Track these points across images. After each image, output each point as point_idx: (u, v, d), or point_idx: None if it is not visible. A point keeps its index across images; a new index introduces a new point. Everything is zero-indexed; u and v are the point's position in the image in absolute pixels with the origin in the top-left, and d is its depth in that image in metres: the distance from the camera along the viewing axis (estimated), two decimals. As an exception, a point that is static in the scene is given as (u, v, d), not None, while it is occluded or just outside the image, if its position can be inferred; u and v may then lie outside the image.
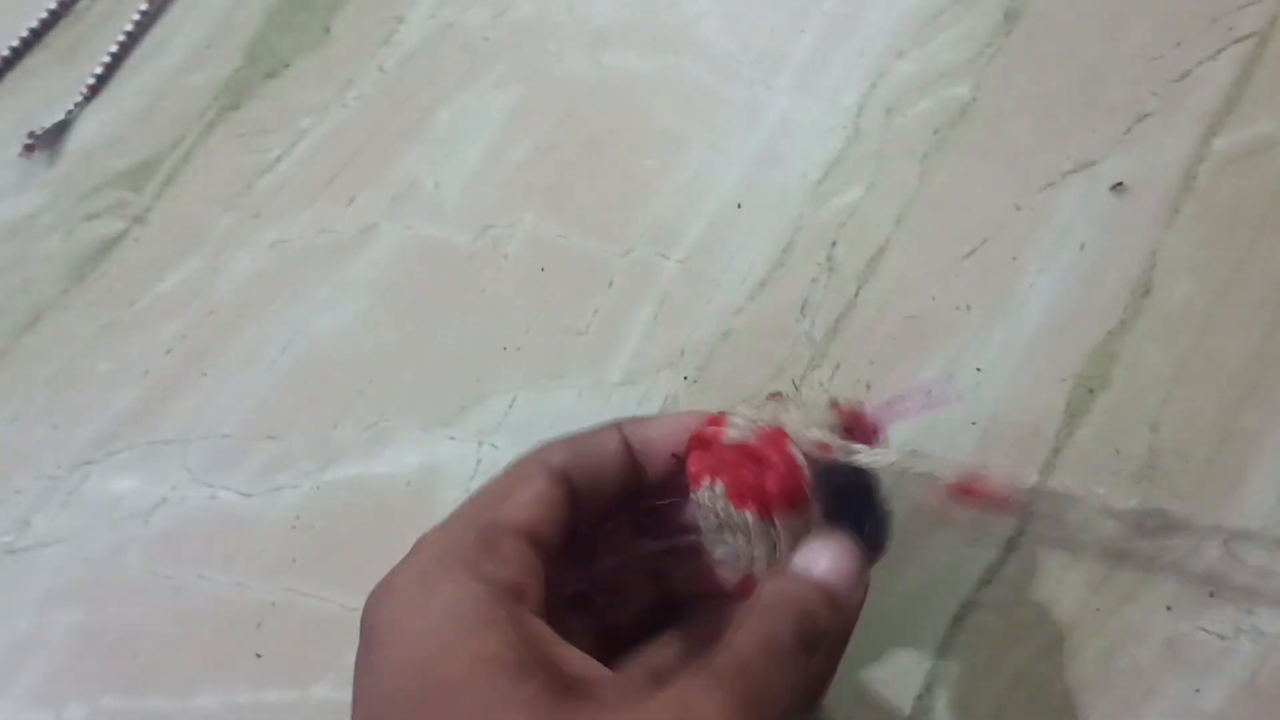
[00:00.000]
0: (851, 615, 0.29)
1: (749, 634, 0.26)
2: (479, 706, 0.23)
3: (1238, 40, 0.42)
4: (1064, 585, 0.35)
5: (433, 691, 0.24)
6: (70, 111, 0.44)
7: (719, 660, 0.25)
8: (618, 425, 0.30)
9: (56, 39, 0.46)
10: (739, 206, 0.41)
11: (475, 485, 0.38)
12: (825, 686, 0.32)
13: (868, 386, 0.38)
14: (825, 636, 0.26)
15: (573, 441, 0.29)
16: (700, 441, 0.29)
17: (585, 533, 0.29)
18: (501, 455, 0.38)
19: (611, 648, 0.28)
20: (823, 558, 0.27)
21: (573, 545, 0.28)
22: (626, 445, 0.30)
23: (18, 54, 0.45)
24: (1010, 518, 0.34)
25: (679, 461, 0.29)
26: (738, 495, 0.28)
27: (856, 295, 0.39)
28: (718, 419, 0.29)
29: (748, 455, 0.28)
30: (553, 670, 0.24)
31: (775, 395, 0.30)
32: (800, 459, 0.28)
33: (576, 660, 0.25)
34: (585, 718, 0.23)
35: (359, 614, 0.26)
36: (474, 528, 0.27)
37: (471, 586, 0.25)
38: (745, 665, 0.25)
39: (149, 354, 0.40)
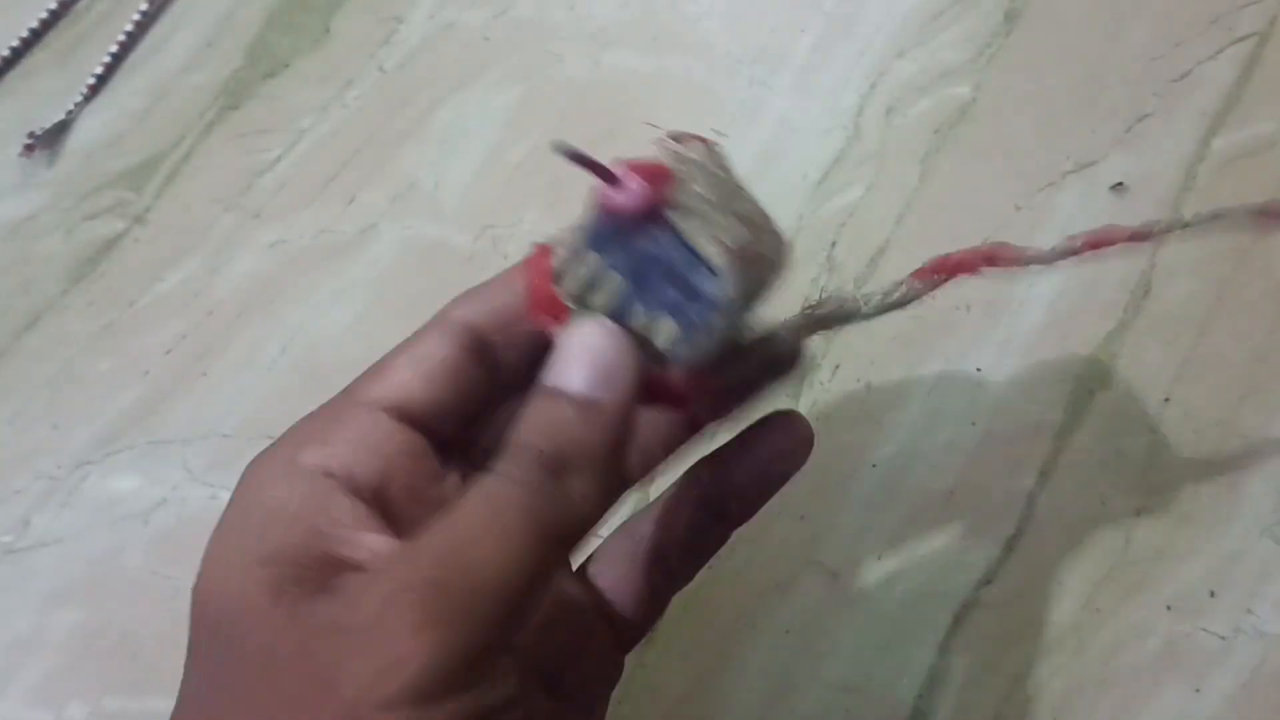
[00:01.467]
0: (612, 437, 0.23)
1: (467, 500, 0.22)
2: (216, 602, 0.22)
3: (1238, 40, 0.42)
4: (1064, 585, 0.35)
5: (198, 606, 0.22)
6: (70, 111, 0.44)
7: (422, 541, 0.21)
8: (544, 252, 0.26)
9: (56, 39, 0.46)
10: (739, 206, 0.41)
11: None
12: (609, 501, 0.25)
13: (868, 387, 0.38)
14: (571, 460, 0.22)
15: (485, 287, 0.26)
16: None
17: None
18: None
19: None
20: (568, 358, 0.23)
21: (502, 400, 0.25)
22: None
23: (18, 54, 0.45)
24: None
25: None
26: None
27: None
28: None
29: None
30: (320, 563, 0.22)
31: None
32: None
33: (362, 544, 0.22)
34: (310, 610, 0.21)
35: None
36: (326, 410, 0.25)
37: (281, 481, 0.23)
38: (448, 549, 0.21)
39: (149, 354, 0.40)
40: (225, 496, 0.38)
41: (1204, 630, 0.34)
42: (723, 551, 0.36)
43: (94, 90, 0.45)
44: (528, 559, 0.21)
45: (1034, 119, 0.41)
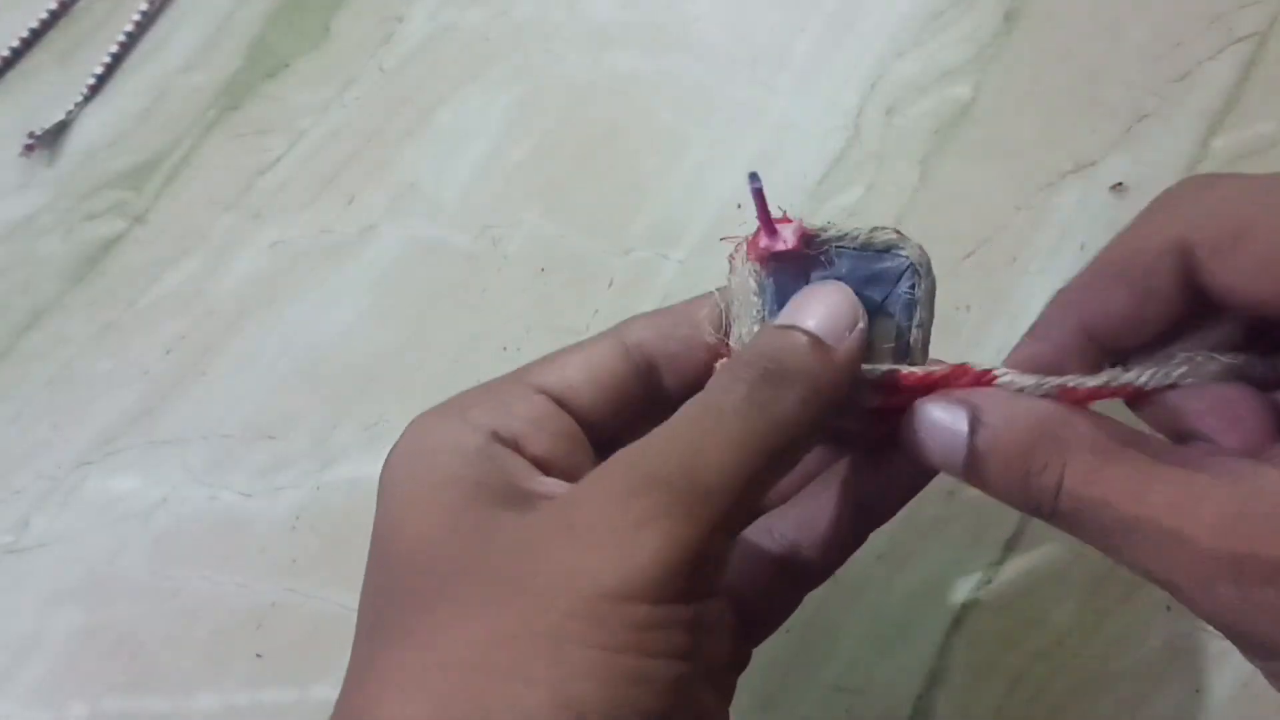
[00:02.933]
0: (838, 376, 0.24)
1: (687, 408, 0.22)
2: (419, 521, 0.22)
3: (1238, 40, 0.42)
4: (1064, 585, 0.35)
5: (394, 531, 0.23)
6: (70, 111, 0.44)
7: (640, 446, 0.22)
8: (709, 295, 0.27)
9: (56, 39, 0.46)
10: (739, 207, 0.41)
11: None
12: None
13: (868, 386, 0.38)
14: (795, 379, 0.22)
15: (661, 312, 0.27)
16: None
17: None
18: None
19: None
20: (802, 304, 0.24)
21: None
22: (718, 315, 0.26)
23: (18, 54, 0.45)
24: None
25: None
26: (745, 254, 0.26)
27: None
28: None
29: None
30: (505, 489, 0.23)
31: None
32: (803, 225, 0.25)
33: (544, 484, 0.24)
34: (518, 517, 0.21)
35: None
36: (502, 382, 0.26)
37: (452, 429, 0.24)
38: (672, 451, 0.21)
39: (149, 354, 0.40)
40: (225, 496, 0.38)
41: (1204, 630, 0.34)
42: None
43: (94, 90, 0.45)
44: (748, 464, 0.21)
45: (1034, 119, 0.41)
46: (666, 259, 0.40)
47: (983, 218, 0.40)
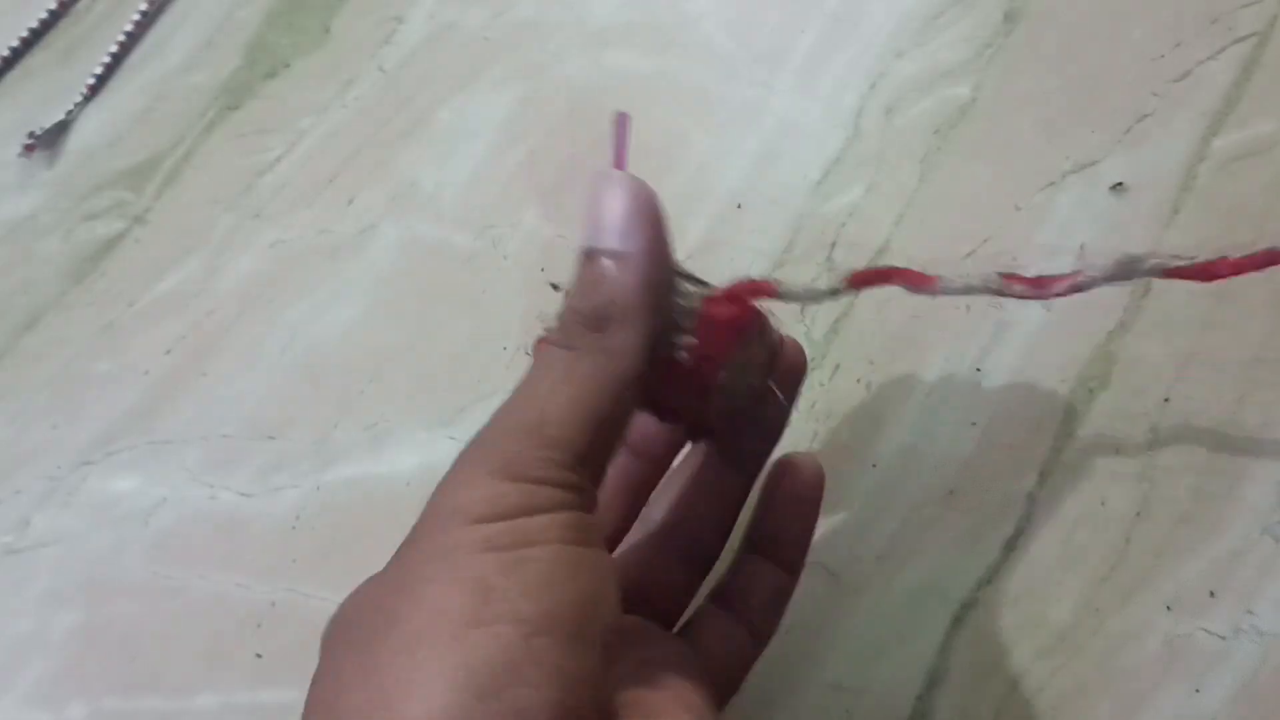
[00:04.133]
0: (644, 269, 0.26)
1: (532, 361, 0.26)
2: None
3: (1238, 40, 0.42)
4: (1063, 585, 0.35)
5: None
6: (70, 111, 0.44)
7: (487, 423, 0.25)
8: None
9: (56, 39, 0.46)
10: (739, 206, 0.41)
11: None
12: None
13: (868, 387, 0.38)
14: (610, 309, 0.25)
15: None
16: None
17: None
18: (501, 455, 0.38)
19: None
20: (593, 215, 0.26)
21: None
22: None
23: (18, 54, 0.45)
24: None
25: None
26: None
27: (856, 295, 0.39)
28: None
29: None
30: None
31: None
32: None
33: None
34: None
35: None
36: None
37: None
38: (515, 402, 0.25)
39: (149, 354, 0.40)
40: (225, 496, 0.38)
41: (1204, 630, 0.34)
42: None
43: (94, 90, 0.45)
44: (586, 407, 0.24)
45: (1034, 119, 0.41)
46: (666, 259, 0.40)
47: (982, 217, 0.40)
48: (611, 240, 0.26)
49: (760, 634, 0.31)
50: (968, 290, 0.29)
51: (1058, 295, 0.30)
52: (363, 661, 0.22)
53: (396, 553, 0.24)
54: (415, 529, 0.24)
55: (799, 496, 0.31)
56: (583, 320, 0.25)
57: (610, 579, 0.24)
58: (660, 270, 0.26)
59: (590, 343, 0.25)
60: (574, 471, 0.24)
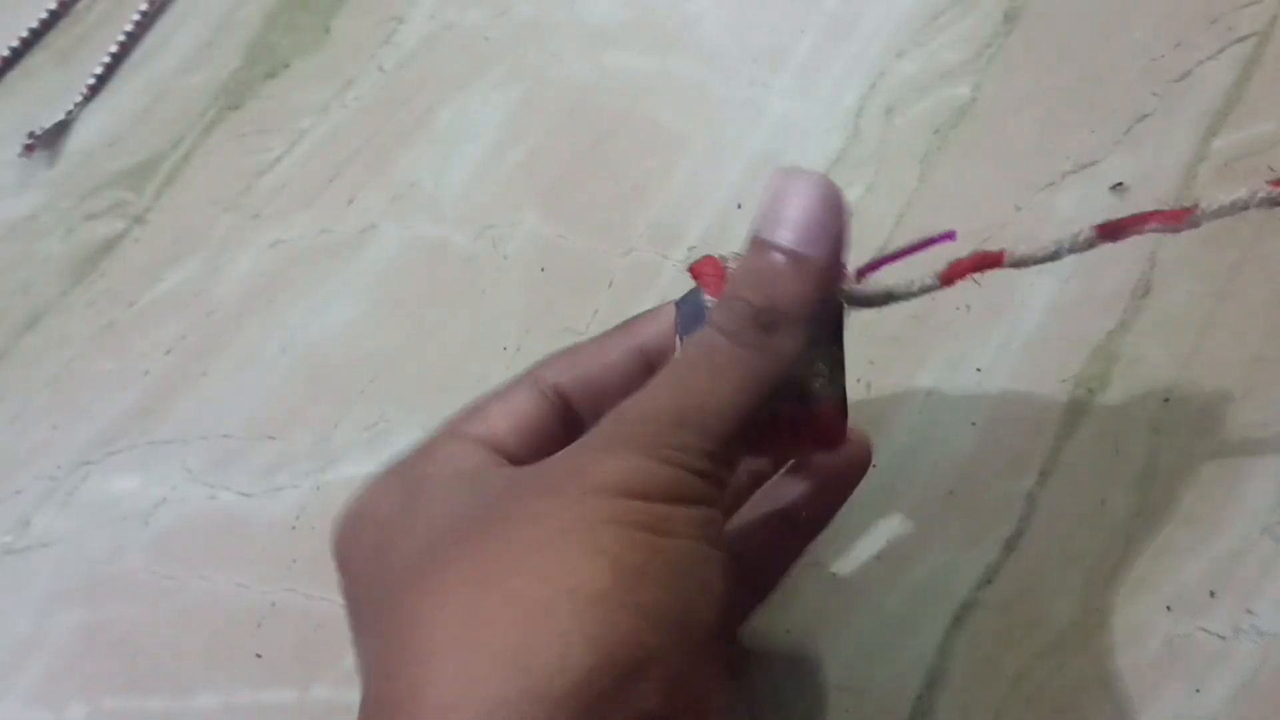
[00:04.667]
0: (822, 277, 0.25)
1: (688, 343, 0.25)
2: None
3: (1238, 40, 0.42)
4: (1064, 585, 0.35)
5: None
6: (70, 111, 0.44)
7: (634, 400, 0.24)
8: (632, 327, 0.29)
9: (56, 39, 0.46)
10: (739, 206, 0.41)
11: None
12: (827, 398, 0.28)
13: (868, 387, 0.38)
14: (779, 315, 0.25)
15: (574, 353, 0.28)
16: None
17: None
18: (501, 455, 0.38)
19: None
20: (778, 205, 0.25)
21: None
22: (641, 350, 0.28)
23: (17, 54, 0.45)
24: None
25: None
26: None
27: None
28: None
29: None
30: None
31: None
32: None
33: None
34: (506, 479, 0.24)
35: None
36: (428, 440, 0.27)
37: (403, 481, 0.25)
38: (668, 384, 0.24)
39: (149, 354, 0.40)
40: (225, 496, 0.38)
41: (1204, 630, 0.34)
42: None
43: (94, 90, 0.45)
44: (741, 406, 0.24)
45: (1034, 119, 0.41)
46: (667, 259, 0.40)
47: (983, 217, 0.40)
48: (794, 239, 0.24)
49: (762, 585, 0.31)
50: (1231, 210, 0.27)
51: None
52: (463, 616, 0.21)
53: (478, 505, 0.23)
54: (519, 488, 0.23)
55: (839, 474, 0.30)
56: (753, 316, 0.24)
57: (730, 588, 0.24)
58: (834, 284, 0.26)
59: (757, 341, 0.24)
60: (719, 464, 0.24)
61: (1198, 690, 0.34)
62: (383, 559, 0.24)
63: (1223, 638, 0.34)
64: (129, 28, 0.45)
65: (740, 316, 0.24)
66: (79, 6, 0.46)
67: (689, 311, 0.27)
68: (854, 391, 0.38)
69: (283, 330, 0.40)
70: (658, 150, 0.42)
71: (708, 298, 0.26)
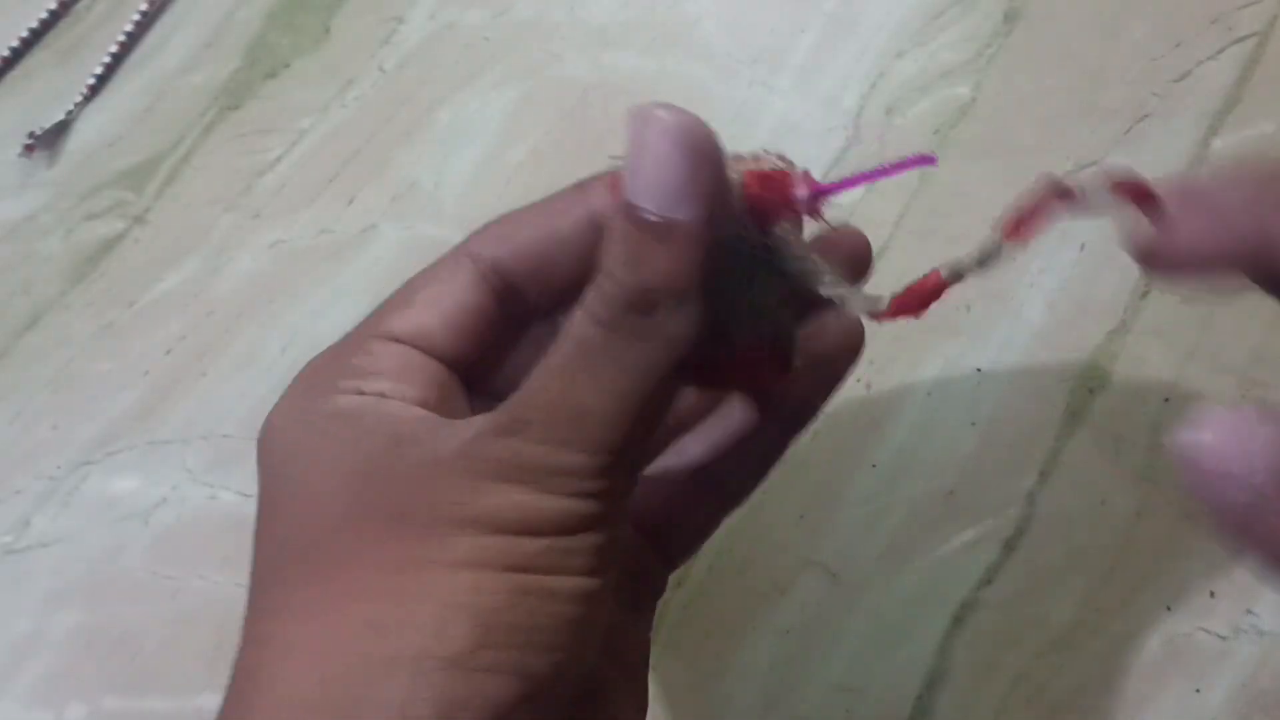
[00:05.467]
0: (696, 242, 0.21)
1: (559, 338, 0.21)
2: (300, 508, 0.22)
3: (1238, 40, 0.42)
4: (1064, 585, 0.35)
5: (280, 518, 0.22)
6: (70, 112, 0.44)
7: (515, 408, 0.21)
8: (583, 191, 0.24)
9: (56, 39, 0.46)
10: (739, 206, 0.41)
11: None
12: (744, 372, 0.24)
13: (868, 387, 0.38)
14: (662, 289, 0.21)
15: (516, 220, 0.24)
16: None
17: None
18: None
19: None
20: (633, 168, 0.21)
21: (515, 341, 0.25)
22: (593, 220, 0.24)
23: (17, 54, 0.45)
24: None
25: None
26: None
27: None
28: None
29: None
30: (387, 437, 0.22)
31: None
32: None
33: (423, 422, 0.22)
34: (398, 466, 0.21)
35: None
36: (353, 334, 0.24)
37: (318, 398, 0.23)
38: (543, 392, 0.21)
39: (149, 354, 0.40)
40: (225, 496, 0.38)
41: (1204, 630, 0.34)
42: (723, 550, 0.36)
43: (94, 90, 0.45)
44: (631, 405, 0.21)
45: (1034, 119, 0.41)
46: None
47: (983, 217, 0.40)
48: (659, 201, 0.20)
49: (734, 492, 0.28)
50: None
51: None
52: (305, 647, 0.19)
53: (356, 506, 0.21)
54: (398, 496, 0.21)
55: (829, 359, 0.27)
56: (626, 299, 0.20)
57: (616, 624, 0.22)
58: (720, 231, 0.21)
59: (636, 327, 0.20)
60: (611, 479, 0.21)
61: (1198, 690, 0.34)
62: (274, 514, 0.23)
63: (1223, 638, 0.34)
64: (129, 28, 0.45)
65: (613, 301, 0.21)
66: (79, 6, 0.46)
67: None
68: (854, 391, 0.38)
69: (283, 330, 0.40)
70: (658, 150, 0.42)
71: None
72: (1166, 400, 0.37)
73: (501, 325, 0.25)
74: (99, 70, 0.45)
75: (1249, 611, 0.34)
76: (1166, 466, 0.36)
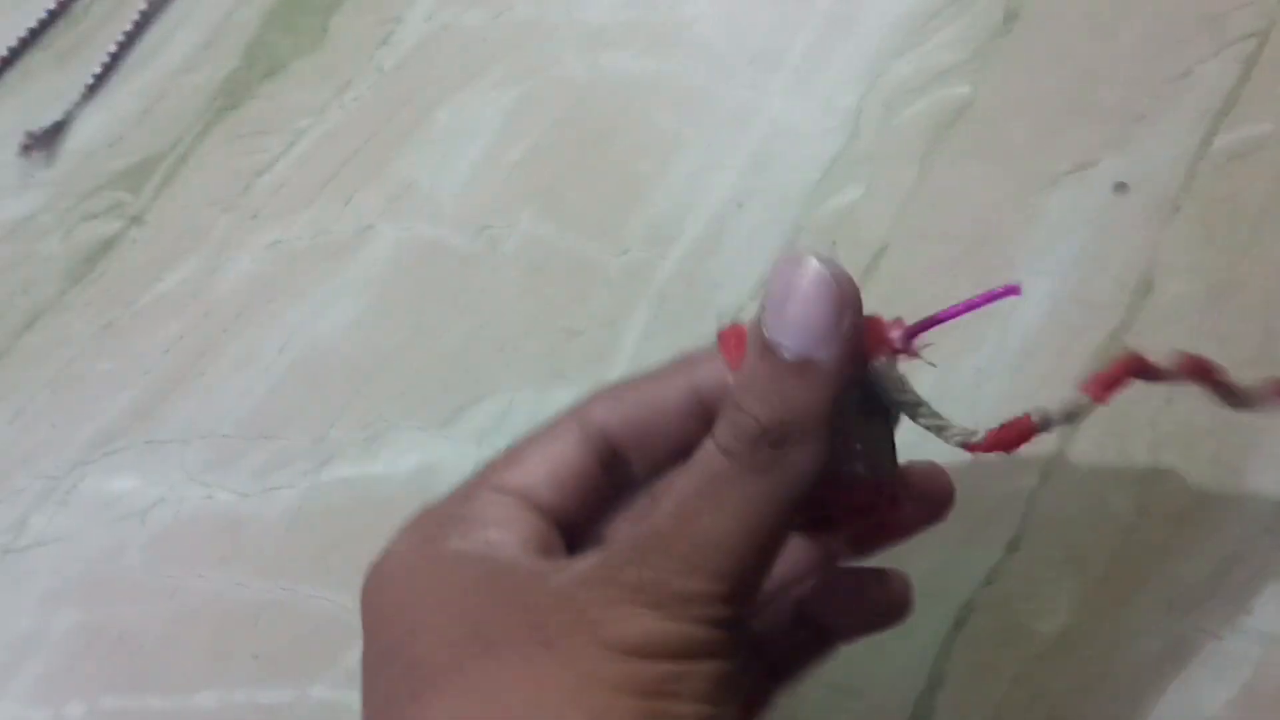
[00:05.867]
0: (834, 383, 0.22)
1: (690, 467, 0.22)
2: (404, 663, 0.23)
3: (1236, 40, 0.42)
4: (1064, 586, 0.35)
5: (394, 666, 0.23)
6: (68, 112, 0.44)
7: (643, 536, 0.22)
8: (689, 365, 0.26)
9: (55, 39, 0.46)
10: (739, 206, 0.41)
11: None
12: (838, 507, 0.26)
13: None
14: (789, 429, 0.22)
15: (625, 391, 0.26)
16: None
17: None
18: (500, 455, 0.38)
19: None
20: (779, 305, 0.22)
21: (619, 506, 0.26)
22: (697, 392, 0.26)
23: (16, 54, 0.45)
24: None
25: None
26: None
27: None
28: None
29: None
30: (503, 573, 0.23)
31: None
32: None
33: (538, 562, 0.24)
34: (518, 595, 0.22)
35: (357, 614, 0.26)
36: (467, 488, 0.26)
37: (433, 555, 0.24)
38: (674, 521, 0.22)
39: (147, 354, 0.40)
40: (223, 496, 0.38)
41: (1203, 630, 0.34)
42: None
43: (92, 90, 0.45)
44: (755, 538, 0.22)
45: (1032, 119, 0.41)
46: (664, 259, 0.40)
47: (981, 217, 0.40)
48: (802, 341, 0.22)
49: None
50: None
51: None
52: None
53: (493, 625, 0.22)
54: (534, 617, 0.22)
55: (876, 611, 0.29)
56: (760, 433, 0.21)
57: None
58: (851, 380, 0.23)
59: (766, 461, 0.21)
60: (733, 607, 0.22)
61: (1197, 691, 0.34)
62: (397, 648, 0.24)
63: (1222, 638, 0.34)
64: (128, 28, 0.45)
65: (746, 434, 0.22)
66: (77, 7, 0.46)
67: None
68: (853, 391, 0.38)
69: (281, 330, 0.40)
70: (655, 151, 0.42)
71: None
72: (1167, 400, 0.37)
73: (605, 486, 0.26)
74: (97, 70, 0.45)
75: (1249, 612, 0.34)
76: (1167, 466, 0.36)
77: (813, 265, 0.22)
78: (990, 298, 0.24)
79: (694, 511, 0.22)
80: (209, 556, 0.37)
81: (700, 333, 0.39)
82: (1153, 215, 0.39)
